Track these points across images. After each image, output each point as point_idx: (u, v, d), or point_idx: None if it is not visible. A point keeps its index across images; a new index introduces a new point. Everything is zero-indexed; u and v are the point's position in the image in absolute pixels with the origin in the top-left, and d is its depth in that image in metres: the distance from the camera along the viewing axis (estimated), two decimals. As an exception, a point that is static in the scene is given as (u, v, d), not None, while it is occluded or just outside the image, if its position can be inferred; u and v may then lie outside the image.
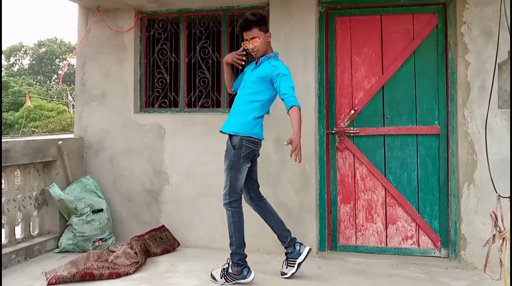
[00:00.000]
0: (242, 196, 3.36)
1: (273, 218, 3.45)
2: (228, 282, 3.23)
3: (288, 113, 3.08)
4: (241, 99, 3.30)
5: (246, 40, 3.24)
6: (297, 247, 3.37)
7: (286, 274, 3.38)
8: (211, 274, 3.32)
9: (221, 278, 3.25)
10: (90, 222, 4.06)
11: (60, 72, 44.62)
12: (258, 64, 3.30)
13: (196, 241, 4.22)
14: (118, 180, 4.44)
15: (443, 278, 3.42)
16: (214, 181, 4.18)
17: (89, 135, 4.54)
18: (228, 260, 3.30)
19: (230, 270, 3.26)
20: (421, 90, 3.91)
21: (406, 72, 3.93)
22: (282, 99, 3.13)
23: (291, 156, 3.03)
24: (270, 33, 3.31)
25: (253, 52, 3.26)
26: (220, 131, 3.36)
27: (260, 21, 3.23)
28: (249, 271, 3.27)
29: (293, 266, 3.36)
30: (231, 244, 3.27)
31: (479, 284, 3.28)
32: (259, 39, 3.20)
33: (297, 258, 3.35)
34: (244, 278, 3.24)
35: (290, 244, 3.38)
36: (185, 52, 4.47)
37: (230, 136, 3.26)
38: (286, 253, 3.42)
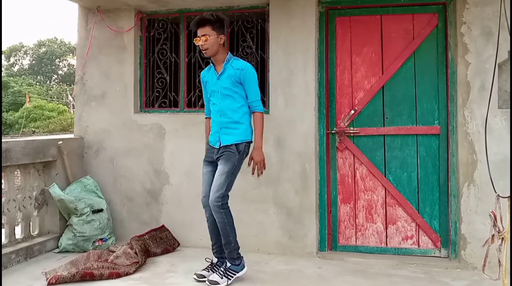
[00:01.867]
0: (205, 200, 3.35)
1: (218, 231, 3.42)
2: (230, 279, 3.24)
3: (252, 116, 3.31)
4: (227, 108, 3.27)
5: (198, 36, 3.25)
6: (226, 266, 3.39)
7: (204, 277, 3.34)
8: (209, 281, 3.24)
9: (223, 278, 3.25)
10: (90, 222, 4.06)
11: (60, 72, 44.60)
12: (221, 71, 3.29)
13: (196, 241, 4.21)
14: (118, 180, 4.45)
15: (443, 278, 3.42)
16: (214, 181, 4.19)
17: (89, 135, 4.54)
18: (210, 260, 3.42)
19: (228, 264, 3.29)
20: (421, 90, 3.91)
21: (406, 72, 3.93)
22: (249, 104, 3.30)
23: (253, 173, 3.28)
24: (223, 37, 3.30)
25: (202, 50, 3.26)
26: (219, 147, 3.29)
27: (215, 21, 3.26)
28: (243, 261, 3.35)
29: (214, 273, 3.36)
30: (228, 243, 3.26)
31: (479, 284, 3.28)
32: (209, 37, 3.22)
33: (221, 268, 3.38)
34: (243, 268, 3.31)
35: (223, 257, 3.41)
36: (185, 52, 4.47)
37: (236, 144, 3.28)
38: (219, 261, 3.41)
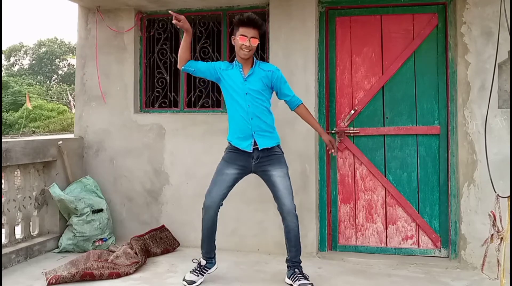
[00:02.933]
0: (214, 202, 3.23)
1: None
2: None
3: (295, 111, 3.37)
4: (260, 111, 3.20)
5: (244, 35, 3.12)
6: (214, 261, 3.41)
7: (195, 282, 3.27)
8: None
9: (308, 280, 3.17)
10: (90, 222, 4.06)
11: (60, 72, 44.59)
12: (249, 73, 3.21)
13: (196, 241, 4.19)
14: (118, 180, 4.45)
15: (443, 278, 3.42)
16: (214, 181, 4.19)
17: (89, 135, 4.54)
18: (295, 267, 3.26)
19: (300, 269, 3.23)
20: (421, 90, 3.91)
21: (406, 72, 3.93)
22: (287, 101, 3.34)
23: (335, 153, 3.40)
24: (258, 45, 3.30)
25: (245, 50, 3.14)
26: (253, 151, 3.19)
27: (263, 27, 3.24)
28: None
29: (203, 275, 3.32)
30: (300, 248, 3.25)
31: (479, 284, 3.28)
32: (257, 41, 3.18)
33: (210, 269, 3.37)
34: None
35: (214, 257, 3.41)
36: (185, 52, 4.46)
37: (278, 146, 3.29)
38: (207, 263, 3.37)
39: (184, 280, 3.28)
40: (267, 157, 3.21)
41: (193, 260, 3.42)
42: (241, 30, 3.15)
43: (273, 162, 3.21)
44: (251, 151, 3.19)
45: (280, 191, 3.20)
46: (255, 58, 3.29)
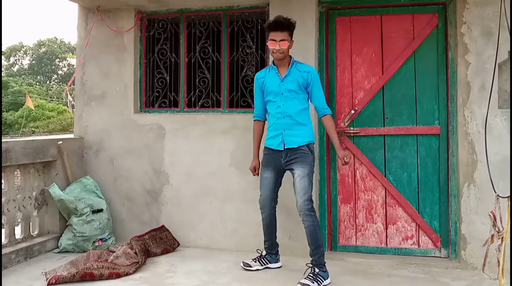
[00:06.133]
0: (264, 203, 3.48)
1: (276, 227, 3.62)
2: (320, 284, 3.18)
3: (321, 119, 3.41)
4: (291, 110, 3.31)
5: (274, 40, 3.26)
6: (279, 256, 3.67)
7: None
8: (302, 284, 3.13)
9: (314, 282, 3.16)
10: (90, 222, 4.06)
11: (60, 72, 44.58)
12: (286, 74, 3.34)
13: (196, 241, 4.21)
14: (118, 180, 4.44)
15: (443, 278, 3.42)
16: (214, 181, 4.19)
17: (89, 135, 4.54)
18: (312, 266, 3.27)
19: (317, 270, 3.23)
20: (421, 90, 3.91)
21: (406, 72, 3.93)
22: (315, 106, 3.40)
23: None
24: (292, 42, 3.38)
25: (277, 53, 3.28)
26: (284, 149, 3.35)
27: (292, 27, 3.33)
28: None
29: (261, 264, 3.60)
30: (318, 247, 3.25)
31: (479, 284, 3.28)
32: (287, 42, 3.28)
33: (270, 262, 3.63)
34: (328, 277, 3.28)
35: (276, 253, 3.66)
36: (185, 52, 4.47)
37: (307, 145, 3.33)
38: (267, 254, 3.63)
39: (242, 262, 3.58)
40: (295, 156, 3.31)
41: (257, 250, 3.70)
42: (271, 35, 3.29)
43: (297, 161, 3.30)
44: (282, 150, 3.33)
45: (296, 190, 3.29)
46: (293, 59, 3.39)
